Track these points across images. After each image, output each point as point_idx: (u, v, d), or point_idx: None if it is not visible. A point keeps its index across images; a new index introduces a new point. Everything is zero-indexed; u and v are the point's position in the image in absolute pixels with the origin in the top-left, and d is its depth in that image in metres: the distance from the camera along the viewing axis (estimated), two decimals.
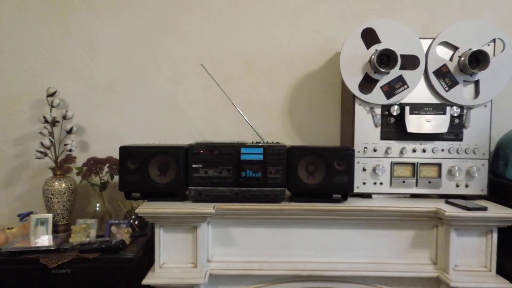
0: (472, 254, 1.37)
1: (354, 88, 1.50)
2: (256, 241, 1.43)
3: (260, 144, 1.44)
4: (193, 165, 1.41)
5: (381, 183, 1.52)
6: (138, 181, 1.41)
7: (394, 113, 1.49)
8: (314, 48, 1.83)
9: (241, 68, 1.83)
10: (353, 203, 1.42)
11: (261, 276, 1.40)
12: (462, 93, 1.49)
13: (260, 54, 1.83)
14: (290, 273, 1.40)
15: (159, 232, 1.38)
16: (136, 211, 1.33)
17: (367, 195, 1.53)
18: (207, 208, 1.34)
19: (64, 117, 1.71)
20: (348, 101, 1.61)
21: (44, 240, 1.47)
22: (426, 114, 1.48)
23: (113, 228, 1.51)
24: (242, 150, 1.42)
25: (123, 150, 1.43)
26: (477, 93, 1.49)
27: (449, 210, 1.33)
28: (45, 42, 1.81)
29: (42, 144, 1.64)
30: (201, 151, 1.42)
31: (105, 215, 1.65)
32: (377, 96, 1.49)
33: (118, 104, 1.83)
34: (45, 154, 1.66)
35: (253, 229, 1.43)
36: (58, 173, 1.64)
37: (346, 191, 1.42)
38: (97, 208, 1.65)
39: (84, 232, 1.50)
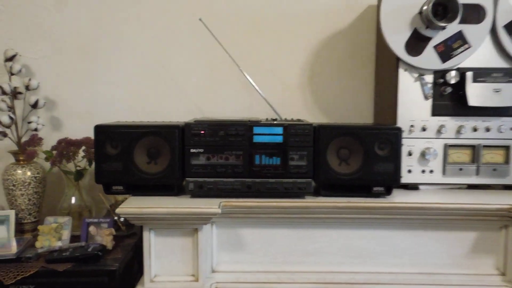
0: None
1: (399, 49, 1.16)
2: (274, 246, 1.13)
3: (278, 122, 1.11)
4: (192, 150, 1.09)
5: (431, 171, 1.20)
6: (121, 170, 1.10)
7: (452, 81, 1.16)
8: (340, 0, 1.46)
9: (247, 25, 1.47)
10: (398, 198, 1.11)
11: None
12: None
13: (271, 7, 1.46)
14: (317, 286, 1.10)
15: (149, 236, 1.07)
16: (117, 211, 1.01)
17: (413, 186, 1.21)
18: (211, 206, 1.03)
19: (27, 87, 1.36)
20: (387, 67, 1.27)
21: (2, 245, 1.15)
22: (494, 82, 1.15)
23: (92, 229, 1.20)
24: (256, 129, 1.09)
25: (100, 130, 1.10)
26: None
27: None
28: None
29: None
30: (202, 132, 1.09)
31: (84, 210, 1.33)
32: (429, 58, 1.16)
33: (95, 71, 1.48)
34: (4, 135, 1.32)
35: (270, 231, 1.13)
36: (21, 158, 1.31)
37: (390, 182, 1.10)
38: (73, 202, 1.32)
39: (55, 233, 1.19)
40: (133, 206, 1.03)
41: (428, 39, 1.15)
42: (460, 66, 1.16)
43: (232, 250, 1.13)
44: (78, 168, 1.31)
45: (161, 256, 1.08)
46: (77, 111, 1.48)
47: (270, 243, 1.13)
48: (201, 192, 1.10)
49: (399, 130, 1.09)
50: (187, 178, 1.10)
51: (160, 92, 1.49)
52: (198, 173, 1.09)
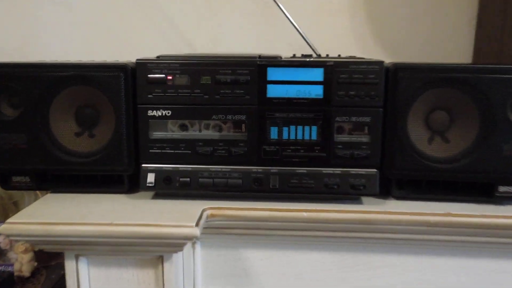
0: None
1: None
2: (301, 279, 0.65)
3: (314, 60, 0.58)
4: (151, 112, 0.59)
5: None
6: (25, 148, 0.61)
7: None
8: None
9: None
10: None
11: None
12: None
13: None
14: None
15: (77, 268, 0.59)
16: (1, 229, 0.53)
17: None
18: (184, 219, 0.55)
19: None
20: None
21: None
22: None
23: (3, 240, 0.73)
24: (271, 73, 0.58)
25: None
26: None
27: None
28: None
29: None
30: (169, 77, 0.58)
31: (7, 205, 0.86)
32: None
33: None
34: None
35: (294, 254, 0.65)
36: None
37: None
38: None
39: None
40: (33, 220, 0.55)
41: None
42: None
43: (229, 285, 0.65)
44: None
45: None
46: (5, 48, 0.99)
47: (295, 274, 0.65)
48: (169, 188, 0.60)
49: None
50: (143, 165, 0.60)
51: (131, 18, 0.99)
52: (163, 155, 0.59)
